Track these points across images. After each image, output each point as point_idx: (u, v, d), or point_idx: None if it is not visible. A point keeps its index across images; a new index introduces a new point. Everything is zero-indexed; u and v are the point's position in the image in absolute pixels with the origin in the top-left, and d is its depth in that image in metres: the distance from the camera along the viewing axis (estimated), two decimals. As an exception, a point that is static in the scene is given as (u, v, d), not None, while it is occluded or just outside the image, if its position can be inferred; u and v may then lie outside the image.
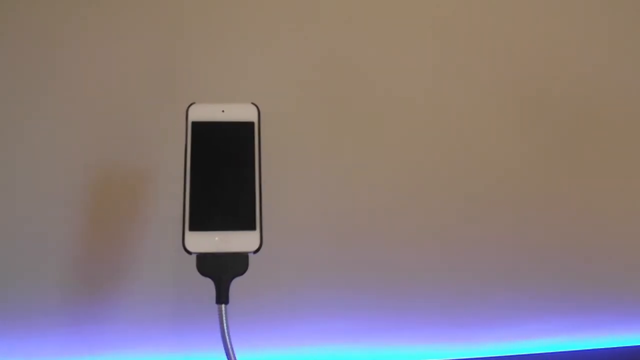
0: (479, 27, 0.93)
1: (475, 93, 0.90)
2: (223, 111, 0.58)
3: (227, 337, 0.55)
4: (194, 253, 0.55)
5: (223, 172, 0.57)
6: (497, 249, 0.88)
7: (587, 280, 0.90)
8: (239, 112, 0.59)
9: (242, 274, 0.55)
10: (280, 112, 0.84)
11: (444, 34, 0.92)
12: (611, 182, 0.92)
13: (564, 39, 0.94)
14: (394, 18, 0.91)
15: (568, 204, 0.90)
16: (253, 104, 0.59)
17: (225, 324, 0.55)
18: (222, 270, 0.55)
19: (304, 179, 0.86)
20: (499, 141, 0.90)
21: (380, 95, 0.89)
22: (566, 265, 0.89)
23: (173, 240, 0.78)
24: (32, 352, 0.81)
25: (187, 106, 0.58)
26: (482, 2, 0.94)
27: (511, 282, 0.88)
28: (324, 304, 0.84)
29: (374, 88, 0.89)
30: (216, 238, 0.55)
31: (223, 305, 0.55)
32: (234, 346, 0.55)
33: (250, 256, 0.55)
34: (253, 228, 0.55)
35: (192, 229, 0.55)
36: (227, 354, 0.55)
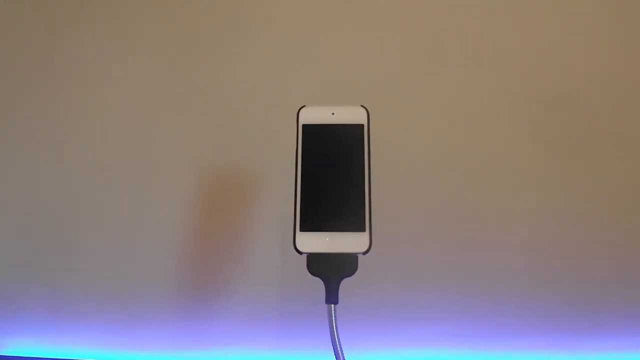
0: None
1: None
2: (333, 114, 0.59)
3: (336, 337, 0.55)
4: (305, 253, 0.55)
5: (333, 174, 0.57)
6: (608, 257, 0.83)
7: None
8: (349, 114, 0.59)
9: (351, 274, 0.55)
10: (390, 113, 0.84)
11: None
12: None
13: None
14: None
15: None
16: (363, 106, 0.59)
17: (334, 324, 0.55)
18: (331, 271, 0.55)
19: (413, 181, 0.85)
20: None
21: (478, 92, 0.87)
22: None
23: (282, 240, 0.80)
24: (145, 344, 0.86)
25: (298, 109, 0.59)
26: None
27: (619, 290, 0.82)
28: (431, 307, 0.83)
29: (480, 87, 0.87)
30: (326, 239, 0.55)
31: (332, 305, 0.56)
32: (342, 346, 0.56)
33: (360, 257, 0.55)
34: (363, 229, 0.55)
35: (302, 229, 0.56)
36: (336, 354, 0.56)
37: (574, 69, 0.87)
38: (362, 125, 0.59)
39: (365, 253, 0.55)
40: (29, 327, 0.89)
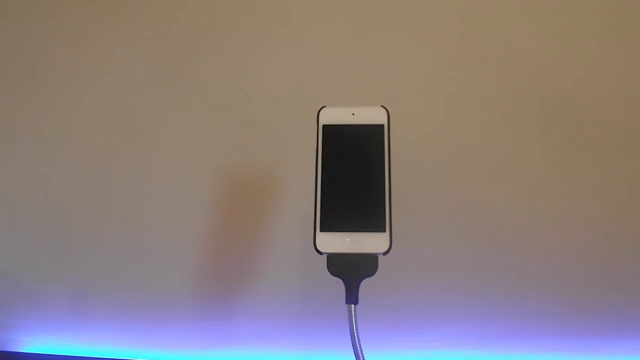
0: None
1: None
2: (353, 114, 0.59)
3: (356, 337, 0.55)
4: (325, 253, 0.55)
5: (353, 174, 0.57)
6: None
7: None
8: (369, 114, 0.59)
9: (371, 275, 0.55)
10: (408, 113, 0.83)
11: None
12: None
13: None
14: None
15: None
16: (383, 106, 0.59)
17: (354, 324, 0.55)
18: (352, 271, 0.55)
19: (432, 181, 0.85)
20: None
21: (500, 91, 0.86)
22: None
23: (302, 240, 0.80)
24: (165, 343, 0.87)
25: (319, 109, 0.59)
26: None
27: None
28: (452, 308, 0.82)
29: (494, 86, 0.86)
30: (347, 239, 0.55)
31: (353, 306, 0.55)
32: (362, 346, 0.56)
33: (380, 257, 0.55)
34: (383, 230, 0.55)
35: (323, 229, 0.56)
36: (356, 354, 0.56)
37: (585, 68, 0.86)
38: (383, 126, 0.58)
39: (385, 253, 0.55)
40: (49, 326, 0.90)
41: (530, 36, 0.88)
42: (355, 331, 0.55)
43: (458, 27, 0.89)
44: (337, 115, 0.59)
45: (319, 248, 0.55)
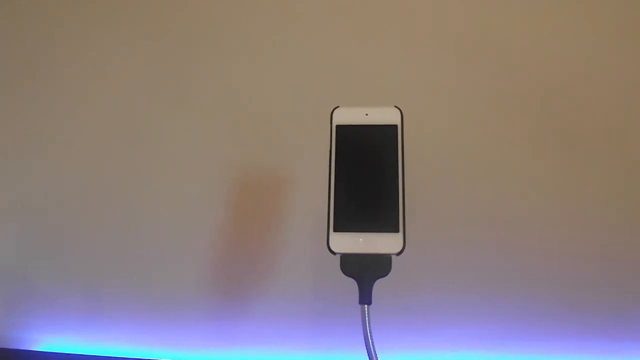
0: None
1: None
2: (367, 114, 0.59)
3: (369, 337, 0.55)
4: (338, 253, 0.55)
5: (367, 175, 0.57)
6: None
7: None
8: (383, 115, 0.59)
9: (385, 275, 0.55)
10: (422, 115, 0.83)
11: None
12: None
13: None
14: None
15: None
16: (396, 107, 0.59)
17: (368, 325, 0.55)
18: (365, 271, 0.55)
19: (445, 182, 0.85)
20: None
21: (520, 91, 0.86)
22: None
23: (315, 240, 0.80)
24: (177, 343, 0.87)
25: (332, 110, 0.59)
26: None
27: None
28: (465, 307, 0.82)
29: (507, 87, 0.86)
30: (360, 239, 0.55)
31: (366, 306, 0.56)
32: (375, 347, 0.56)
33: (393, 258, 0.55)
34: (396, 230, 0.55)
35: (336, 230, 0.56)
36: (369, 354, 0.56)
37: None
38: (396, 126, 0.58)
39: (398, 254, 0.55)
40: (64, 325, 0.91)
41: (535, 36, 0.87)
42: (368, 331, 0.55)
43: (468, 27, 0.89)
44: (351, 115, 0.59)
45: (332, 248, 0.55)
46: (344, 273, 0.55)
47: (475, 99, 0.86)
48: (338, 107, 0.60)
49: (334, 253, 0.56)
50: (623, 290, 0.80)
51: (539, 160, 0.84)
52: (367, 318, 0.56)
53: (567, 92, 0.85)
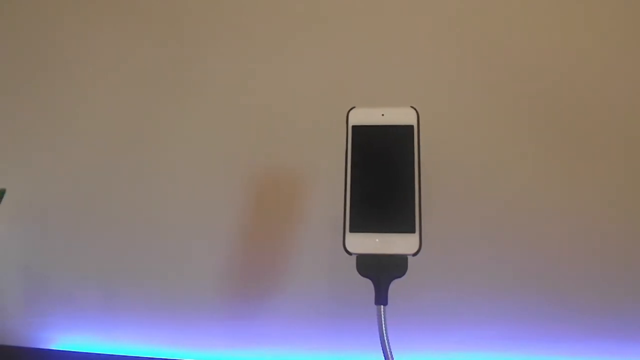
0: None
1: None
2: (383, 115, 0.59)
3: (385, 338, 0.55)
4: (354, 254, 0.55)
5: (383, 175, 0.57)
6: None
7: None
8: (399, 115, 0.59)
9: (401, 276, 0.55)
10: (439, 114, 0.83)
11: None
12: None
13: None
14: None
15: None
16: (412, 107, 0.59)
17: (384, 325, 0.55)
18: (381, 272, 0.55)
19: (462, 182, 0.84)
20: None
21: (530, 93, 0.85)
22: None
23: (331, 240, 0.80)
24: (194, 342, 0.88)
25: (348, 110, 0.59)
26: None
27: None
28: (482, 310, 0.82)
29: (524, 86, 0.85)
30: (376, 240, 0.55)
31: (382, 307, 0.55)
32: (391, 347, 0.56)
33: (409, 258, 0.55)
34: (413, 231, 0.55)
35: (352, 230, 0.56)
36: (385, 355, 0.56)
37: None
38: (412, 127, 0.58)
39: (415, 254, 0.55)
40: (81, 323, 0.92)
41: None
42: (384, 332, 0.55)
43: (478, 29, 0.88)
44: (367, 116, 0.59)
45: (348, 249, 0.55)
46: (359, 273, 0.55)
47: (491, 99, 0.86)
48: (354, 107, 0.60)
49: (349, 253, 0.56)
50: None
51: (553, 160, 0.83)
52: (383, 319, 0.55)
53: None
